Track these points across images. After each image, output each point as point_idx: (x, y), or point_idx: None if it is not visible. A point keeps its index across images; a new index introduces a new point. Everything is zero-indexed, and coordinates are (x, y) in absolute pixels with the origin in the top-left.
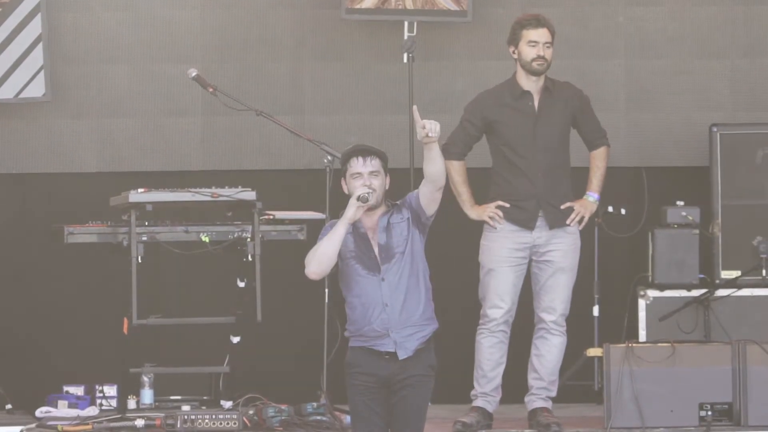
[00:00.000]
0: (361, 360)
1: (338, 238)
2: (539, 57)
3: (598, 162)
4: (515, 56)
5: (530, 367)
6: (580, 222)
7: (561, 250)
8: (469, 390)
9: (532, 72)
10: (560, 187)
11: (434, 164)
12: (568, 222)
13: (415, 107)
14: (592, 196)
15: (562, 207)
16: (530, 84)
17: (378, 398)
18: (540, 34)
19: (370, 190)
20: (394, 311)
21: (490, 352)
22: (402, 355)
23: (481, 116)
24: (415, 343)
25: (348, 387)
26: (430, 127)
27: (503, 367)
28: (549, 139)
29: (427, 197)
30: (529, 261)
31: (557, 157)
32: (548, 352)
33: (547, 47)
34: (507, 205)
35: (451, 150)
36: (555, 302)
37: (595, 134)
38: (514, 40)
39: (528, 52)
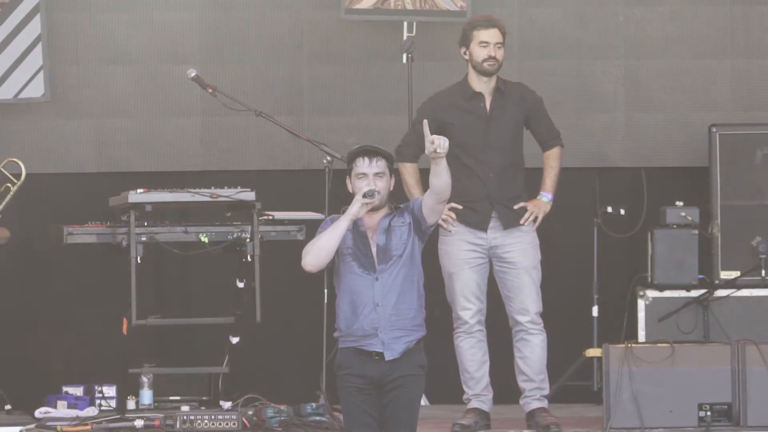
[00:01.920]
0: (350, 361)
1: (339, 233)
2: (490, 57)
3: (552, 162)
4: (466, 57)
5: (517, 370)
6: (534, 222)
7: (519, 250)
8: None
9: (483, 72)
10: (513, 187)
11: (440, 178)
12: (521, 222)
13: (425, 122)
14: (546, 196)
15: (516, 207)
16: (481, 85)
17: (369, 399)
18: (491, 35)
19: (376, 189)
20: (384, 311)
21: (472, 352)
22: (389, 356)
23: (433, 118)
24: (402, 346)
25: (339, 389)
26: (438, 143)
27: (488, 365)
28: (501, 139)
29: (430, 207)
30: (491, 261)
31: (510, 157)
32: (531, 352)
33: (498, 48)
34: (460, 207)
35: (404, 152)
36: (526, 303)
37: (549, 135)
38: (465, 41)
39: (479, 53)
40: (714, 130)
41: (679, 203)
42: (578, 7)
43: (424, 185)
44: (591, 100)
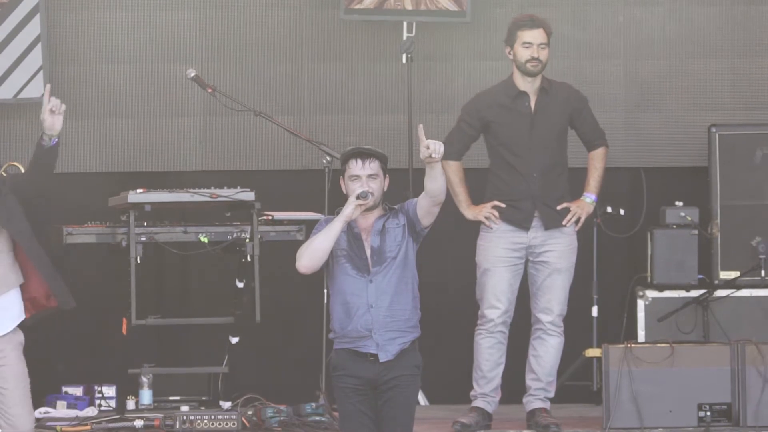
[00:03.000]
0: (345, 362)
1: (334, 234)
2: (533, 58)
3: (596, 163)
4: (511, 57)
5: (528, 367)
6: (576, 223)
7: (557, 251)
8: (467, 390)
9: (526, 73)
10: (557, 187)
11: (435, 182)
12: (564, 222)
13: (420, 126)
14: (590, 197)
15: (559, 207)
16: (526, 84)
17: (365, 400)
18: (534, 36)
19: (370, 190)
20: (378, 313)
21: (489, 352)
22: (383, 357)
23: (477, 116)
24: (397, 348)
25: (335, 390)
26: (434, 148)
27: (502, 367)
28: (545, 139)
29: (424, 209)
30: (526, 261)
31: (554, 157)
32: (546, 352)
33: (542, 48)
34: (503, 206)
35: (448, 150)
36: (552, 303)
37: (594, 135)
38: (509, 40)
39: (522, 54)
40: (714, 130)
41: (679, 203)
42: (578, 7)
43: (472, 185)
44: (591, 100)
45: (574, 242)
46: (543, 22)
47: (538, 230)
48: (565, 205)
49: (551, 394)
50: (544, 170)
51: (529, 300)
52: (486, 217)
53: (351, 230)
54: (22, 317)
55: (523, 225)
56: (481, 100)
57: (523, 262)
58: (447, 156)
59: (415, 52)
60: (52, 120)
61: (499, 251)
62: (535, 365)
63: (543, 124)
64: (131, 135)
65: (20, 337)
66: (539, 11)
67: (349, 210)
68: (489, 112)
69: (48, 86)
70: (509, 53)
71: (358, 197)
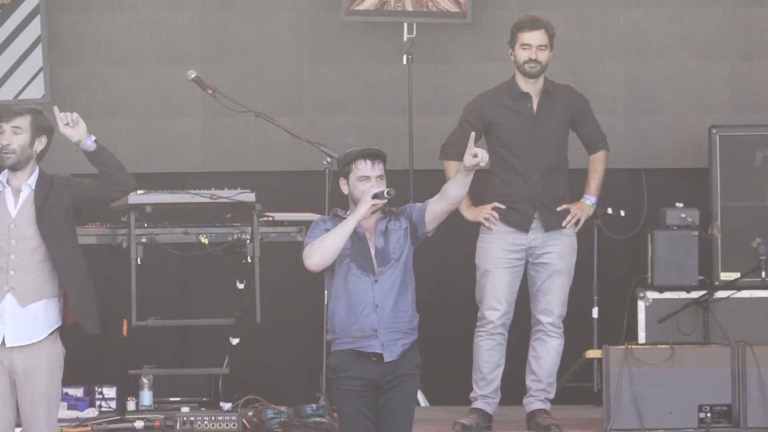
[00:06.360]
0: (348, 363)
1: (346, 233)
2: (531, 60)
3: (597, 165)
4: (512, 58)
5: (528, 369)
6: (576, 224)
7: (557, 252)
8: (467, 391)
9: (525, 74)
10: (557, 189)
11: (463, 189)
12: (564, 224)
13: (473, 134)
14: (590, 199)
15: (558, 209)
16: (528, 86)
17: (367, 401)
18: (533, 37)
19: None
20: (383, 313)
21: (489, 354)
22: (388, 357)
23: (480, 117)
24: (400, 349)
25: (335, 392)
26: (481, 157)
27: (502, 368)
28: (546, 141)
29: (435, 214)
30: (526, 263)
31: (555, 159)
32: (546, 354)
33: (542, 50)
34: (503, 207)
35: (450, 150)
36: (552, 304)
37: (595, 138)
38: (511, 42)
39: (521, 55)
40: (714, 131)
41: (679, 204)
42: (578, 9)
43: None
44: (591, 102)
45: (574, 244)
46: (545, 23)
47: (538, 232)
48: (564, 206)
49: (551, 395)
50: (545, 172)
51: (529, 301)
52: (486, 219)
53: (354, 231)
54: (52, 328)
55: (523, 227)
56: (484, 101)
57: (522, 264)
58: (449, 156)
59: (416, 53)
60: (71, 131)
61: (498, 253)
62: (536, 366)
63: (545, 125)
64: (132, 136)
65: (54, 351)
66: (539, 13)
67: (364, 209)
68: (491, 113)
69: (55, 108)
70: (511, 54)
71: (375, 197)
